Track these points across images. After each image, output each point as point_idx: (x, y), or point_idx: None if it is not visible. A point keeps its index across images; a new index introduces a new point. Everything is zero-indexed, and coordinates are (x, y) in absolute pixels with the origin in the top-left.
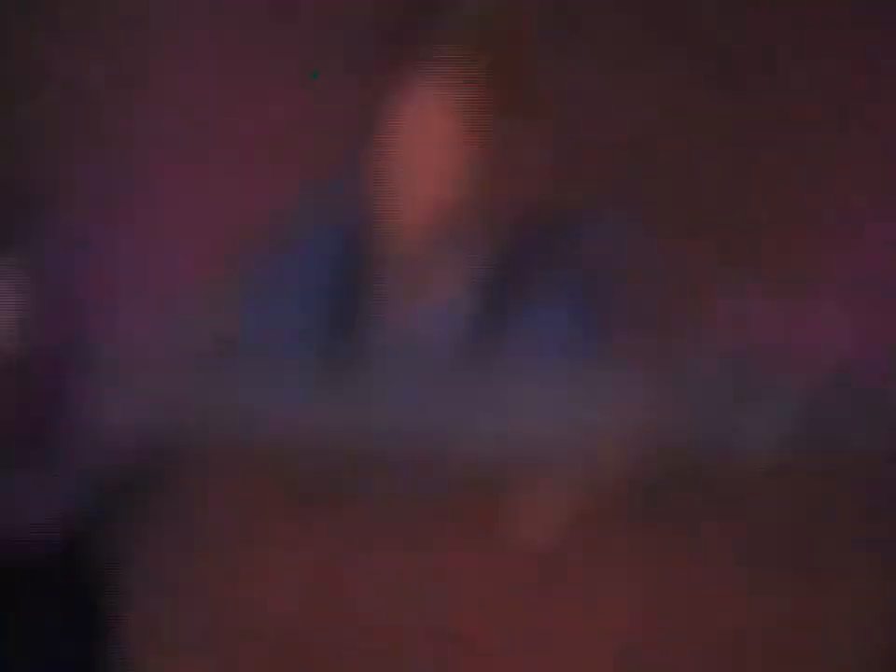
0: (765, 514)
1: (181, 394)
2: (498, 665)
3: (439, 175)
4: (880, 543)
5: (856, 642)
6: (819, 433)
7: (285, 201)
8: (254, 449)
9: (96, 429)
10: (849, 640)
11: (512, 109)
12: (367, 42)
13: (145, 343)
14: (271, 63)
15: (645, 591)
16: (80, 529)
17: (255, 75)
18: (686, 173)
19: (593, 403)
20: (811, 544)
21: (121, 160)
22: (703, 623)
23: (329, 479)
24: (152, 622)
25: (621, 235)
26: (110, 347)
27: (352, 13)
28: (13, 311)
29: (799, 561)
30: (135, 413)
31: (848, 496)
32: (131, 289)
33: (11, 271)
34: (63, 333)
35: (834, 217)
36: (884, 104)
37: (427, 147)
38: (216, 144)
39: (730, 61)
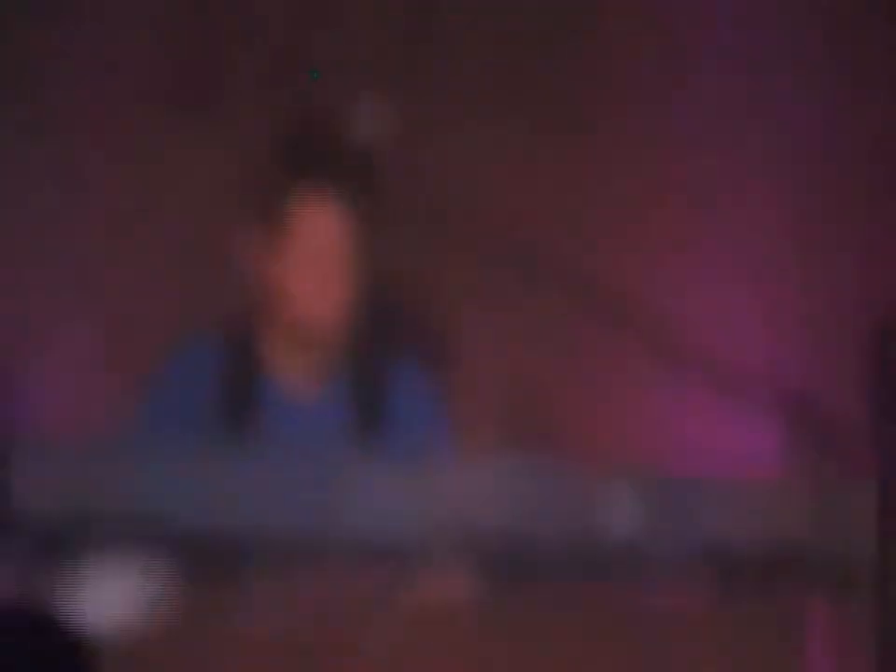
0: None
1: (82, 479)
2: None
3: (322, 278)
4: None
5: None
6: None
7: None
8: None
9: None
10: None
11: (370, 220)
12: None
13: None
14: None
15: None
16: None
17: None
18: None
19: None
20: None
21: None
22: None
23: (219, 559)
24: None
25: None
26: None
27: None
28: None
29: None
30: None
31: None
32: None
33: None
34: None
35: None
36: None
37: (310, 255)
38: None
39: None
